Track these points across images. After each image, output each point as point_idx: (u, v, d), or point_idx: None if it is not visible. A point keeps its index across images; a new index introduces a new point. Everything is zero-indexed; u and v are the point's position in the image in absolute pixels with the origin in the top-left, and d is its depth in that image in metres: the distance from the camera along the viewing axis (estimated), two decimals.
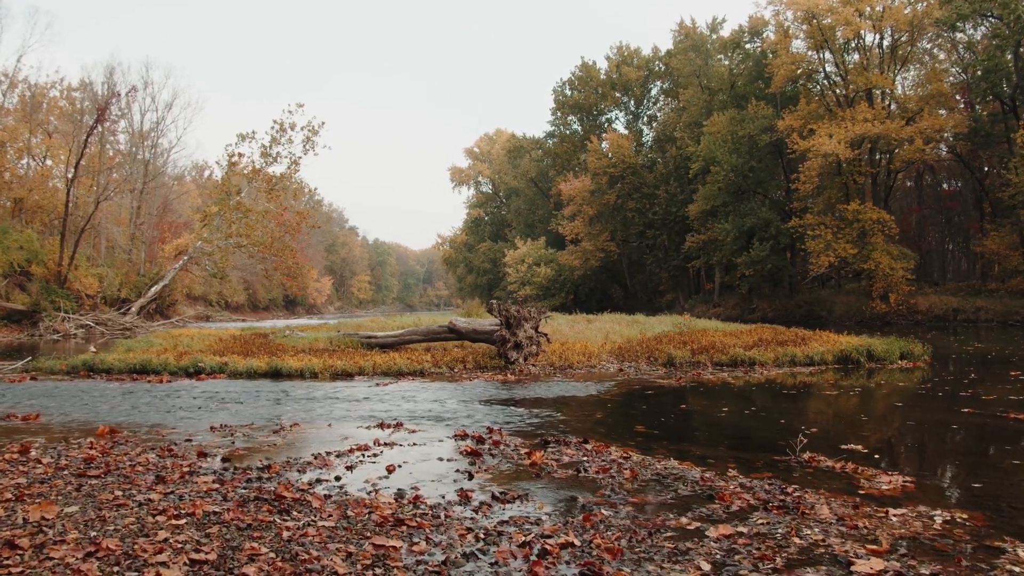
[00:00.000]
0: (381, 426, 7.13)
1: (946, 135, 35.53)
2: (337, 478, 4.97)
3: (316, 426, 7.22)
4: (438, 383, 11.05)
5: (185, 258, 34.46)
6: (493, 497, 4.50)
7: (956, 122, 34.26)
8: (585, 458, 5.76)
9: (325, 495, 4.48)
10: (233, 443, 6.29)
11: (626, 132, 53.22)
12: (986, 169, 39.40)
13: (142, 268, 39.63)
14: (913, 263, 34.51)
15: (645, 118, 57.19)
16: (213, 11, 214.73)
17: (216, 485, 4.63)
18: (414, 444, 6.27)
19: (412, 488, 4.72)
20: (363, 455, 5.75)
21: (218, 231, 33.49)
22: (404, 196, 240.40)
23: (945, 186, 47.88)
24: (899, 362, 14.16)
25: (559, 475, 5.24)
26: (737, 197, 40.31)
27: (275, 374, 12.08)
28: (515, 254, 53.60)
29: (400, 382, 11.17)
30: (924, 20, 33.68)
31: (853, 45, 37.57)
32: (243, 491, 4.54)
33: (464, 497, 4.48)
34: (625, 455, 5.87)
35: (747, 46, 45.34)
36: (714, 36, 48.57)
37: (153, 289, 33.60)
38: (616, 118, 57.97)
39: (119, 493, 4.39)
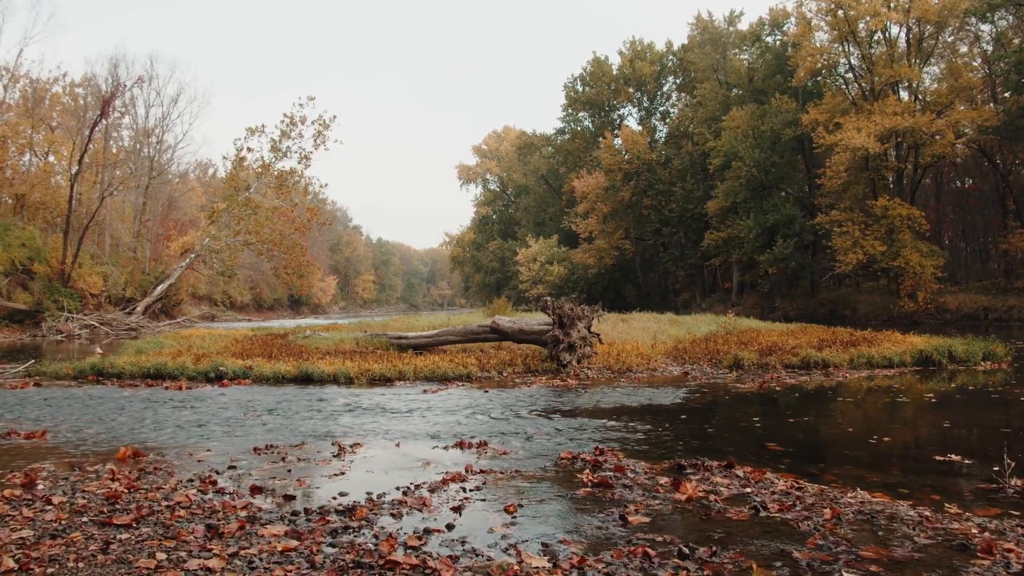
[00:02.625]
0: (461, 446, 5.86)
1: (968, 130, 34.21)
2: (450, 527, 3.70)
3: (381, 445, 5.95)
4: (492, 390, 9.78)
5: (192, 256, 33.18)
6: (681, 554, 3.24)
7: (988, 115, 32.90)
8: (748, 489, 4.50)
9: (450, 556, 3.21)
10: (289, 471, 5.02)
11: (639, 128, 51.93)
12: (1011, 165, 38.11)
13: (147, 266, 38.35)
14: (942, 260, 33.30)
15: (658, 114, 55.87)
16: (213, 9, 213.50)
17: (293, 542, 3.36)
18: (517, 472, 5.00)
19: (560, 542, 3.45)
20: (463, 489, 4.48)
21: (226, 228, 32.23)
22: (407, 195, 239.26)
23: (959, 183, 46.47)
24: (982, 363, 12.88)
25: (732, 515, 3.98)
26: (758, 193, 39.04)
27: (305, 379, 10.82)
28: (527, 252, 52.27)
29: (449, 388, 9.90)
30: (952, 11, 32.43)
31: (878, 38, 36.28)
32: (332, 550, 3.28)
33: (644, 557, 3.22)
34: (796, 485, 4.61)
35: (767, 39, 44.08)
36: (731, 29, 47.29)
37: (159, 288, 32.32)
38: (629, 114, 56.73)
39: (162, 556, 3.13)
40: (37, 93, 37.55)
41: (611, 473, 4.91)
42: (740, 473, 4.91)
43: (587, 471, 4.94)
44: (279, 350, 13.92)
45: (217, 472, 4.90)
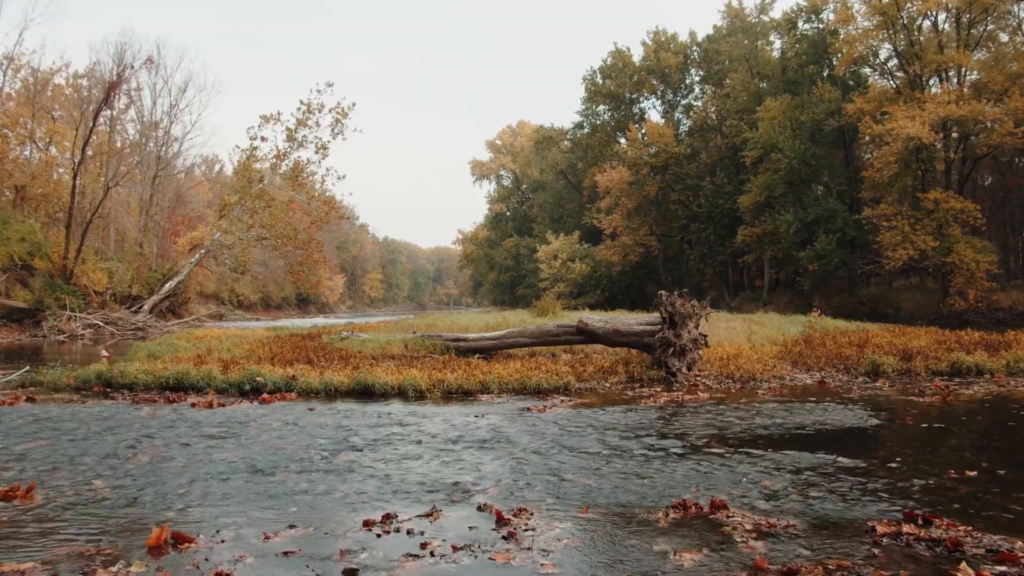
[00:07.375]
0: (684, 510, 3.74)
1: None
2: None
3: (560, 513, 3.82)
4: (609, 407, 7.67)
5: (202, 251, 31.11)
6: None
7: None
8: None
9: None
10: None
11: (662, 121, 49.80)
12: None
13: (154, 263, 36.28)
14: (995, 257, 31.17)
15: (682, 107, 53.69)
16: (212, 6, 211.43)
17: None
18: (844, 569, 2.88)
19: None
20: None
21: (238, 221, 30.15)
22: (412, 194, 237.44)
23: (992, 178, 44.07)
24: None
25: None
26: (796, 187, 36.92)
27: (364, 392, 8.73)
28: (547, 249, 50.15)
29: (556, 406, 7.79)
30: None
31: (921, 24, 34.13)
32: None
33: None
34: None
35: (804, 26, 41.90)
36: (764, 18, 45.21)
37: (167, 285, 30.24)
38: (651, 107, 54.61)
39: None
40: (39, 82, 35.58)
41: (986, 563, 2.81)
42: None
43: (964, 566, 2.83)
44: (316, 354, 11.84)
45: None
